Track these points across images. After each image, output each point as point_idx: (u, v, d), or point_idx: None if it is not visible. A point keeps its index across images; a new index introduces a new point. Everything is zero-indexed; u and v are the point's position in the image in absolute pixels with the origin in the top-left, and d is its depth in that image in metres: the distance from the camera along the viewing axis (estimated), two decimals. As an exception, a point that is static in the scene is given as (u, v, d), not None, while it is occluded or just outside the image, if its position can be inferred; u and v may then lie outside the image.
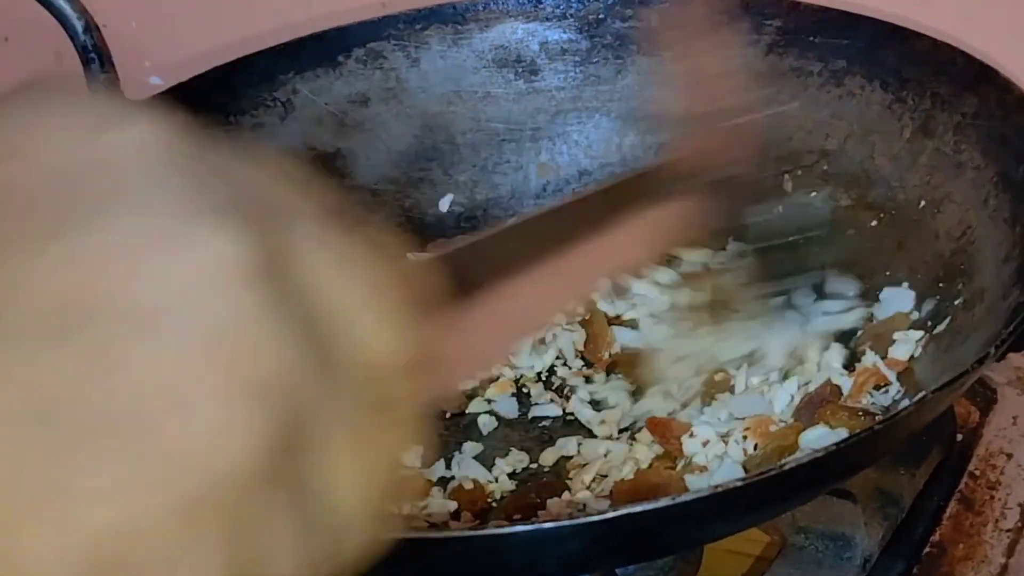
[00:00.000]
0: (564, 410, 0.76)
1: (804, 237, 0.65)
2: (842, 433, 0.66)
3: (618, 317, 0.80)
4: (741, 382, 0.72)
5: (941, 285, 0.72)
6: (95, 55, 0.83)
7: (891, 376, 0.69)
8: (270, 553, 0.27)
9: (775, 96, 0.84)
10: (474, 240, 0.40)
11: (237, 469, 0.26)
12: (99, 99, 0.31)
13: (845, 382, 0.70)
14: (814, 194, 0.62)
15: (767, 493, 0.55)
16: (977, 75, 0.75)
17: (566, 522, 0.52)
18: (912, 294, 0.74)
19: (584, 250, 0.43)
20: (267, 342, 0.27)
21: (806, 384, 0.71)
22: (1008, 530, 0.69)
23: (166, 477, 0.25)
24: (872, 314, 0.75)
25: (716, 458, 0.68)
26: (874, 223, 0.79)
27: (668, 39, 0.59)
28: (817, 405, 0.69)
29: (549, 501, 0.69)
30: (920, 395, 0.59)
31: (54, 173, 0.28)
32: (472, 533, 0.58)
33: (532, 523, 0.53)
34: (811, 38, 0.84)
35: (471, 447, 0.74)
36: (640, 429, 0.72)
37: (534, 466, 0.73)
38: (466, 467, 0.72)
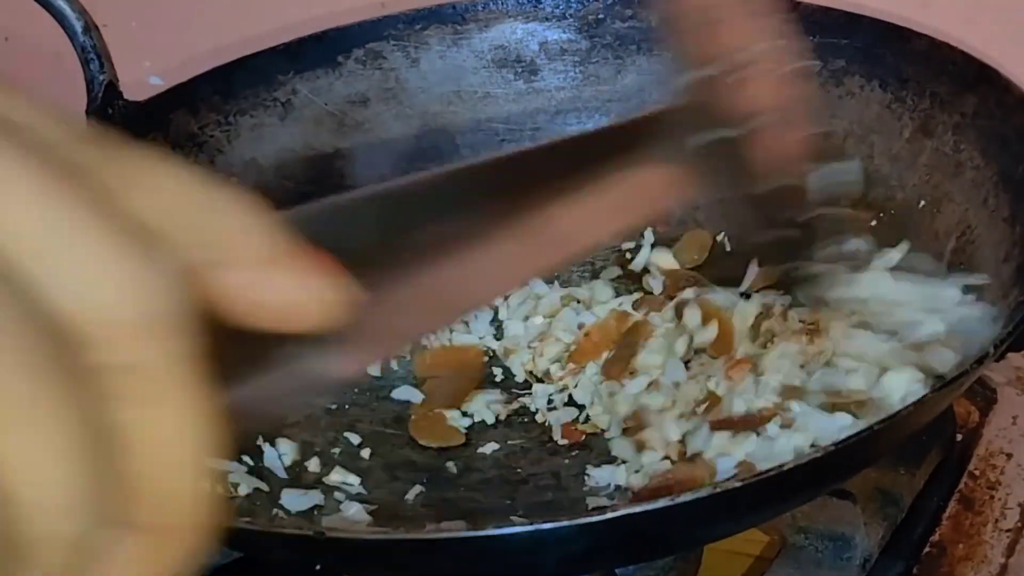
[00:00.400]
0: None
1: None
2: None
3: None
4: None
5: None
6: (95, 55, 0.83)
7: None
8: None
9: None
10: (410, 181, 0.34)
11: None
12: None
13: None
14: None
15: (766, 493, 0.55)
16: (977, 75, 0.75)
17: (566, 522, 0.52)
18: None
19: (552, 212, 0.35)
20: None
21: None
22: (1008, 530, 0.69)
23: None
24: None
25: None
26: (874, 223, 0.79)
27: None
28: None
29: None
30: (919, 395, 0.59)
31: None
32: (472, 533, 0.57)
33: (532, 523, 0.53)
34: (811, 38, 0.83)
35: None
36: None
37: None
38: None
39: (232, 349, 0.25)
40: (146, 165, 0.25)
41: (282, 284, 0.26)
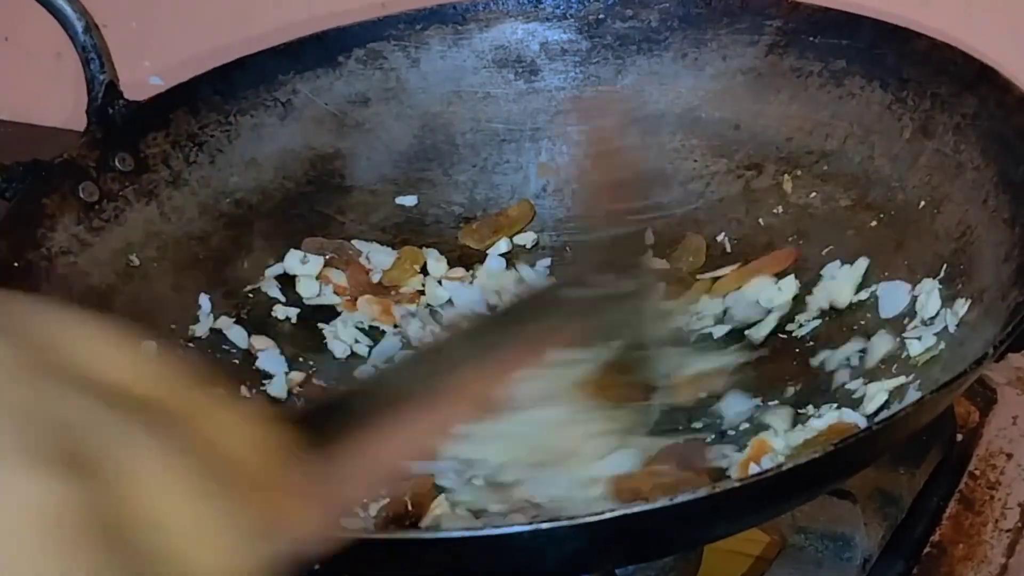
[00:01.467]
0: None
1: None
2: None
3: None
4: None
5: (940, 286, 0.72)
6: (95, 55, 0.83)
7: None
8: None
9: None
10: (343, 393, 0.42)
11: None
12: None
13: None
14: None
15: (766, 494, 0.55)
16: (977, 76, 0.75)
17: (566, 522, 0.52)
18: (909, 287, 0.74)
19: (455, 381, 0.43)
20: None
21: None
22: (1008, 530, 0.69)
23: None
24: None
25: None
26: (874, 223, 0.79)
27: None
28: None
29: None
30: (918, 396, 0.59)
31: None
32: (472, 533, 0.57)
33: (532, 523, 0.53)
34: (811, 38, 0.84)
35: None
36: None
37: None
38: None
39: None
40: (207, 402, 0.32)
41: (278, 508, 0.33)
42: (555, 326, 0.50)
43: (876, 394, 0.69)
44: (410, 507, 0.68)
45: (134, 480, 0.28)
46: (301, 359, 0.81)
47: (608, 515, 0.53)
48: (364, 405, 0.40)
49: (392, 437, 0.39)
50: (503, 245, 0.87)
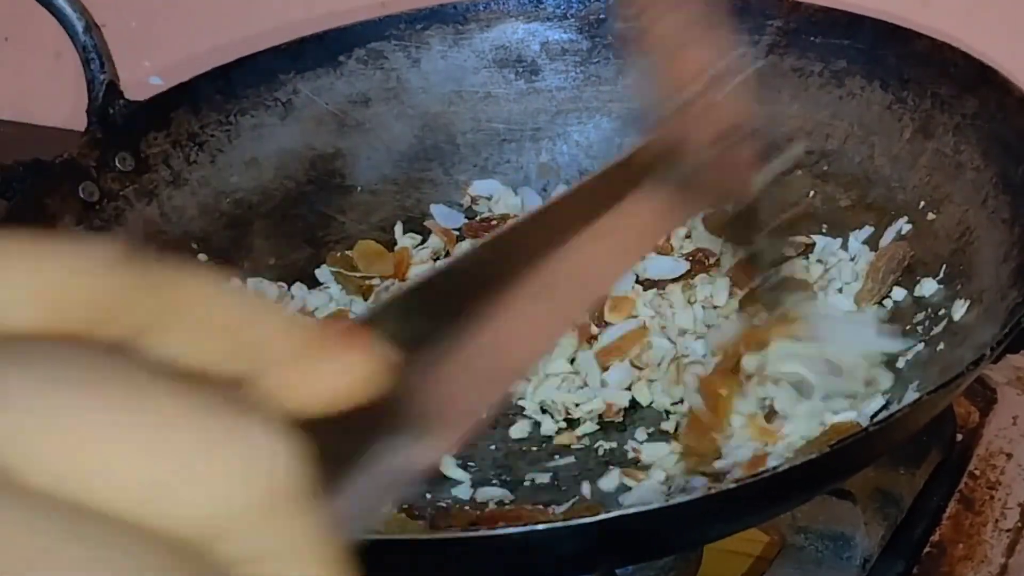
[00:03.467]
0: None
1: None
2: None
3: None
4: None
5: (940, 286, 0.72)
6: (95, 55, 0.83)
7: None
8: None
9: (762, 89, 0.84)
10: (438, 270, 0.33)
11: None
12: None
13: None
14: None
15: (765, 494, 0.55)
16: (977, 76, 0.75)
17: (565, 523, 0.53)
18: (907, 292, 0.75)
19: (571, 259, 0.37)
20: None
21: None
22: (1008, 530, 0.69)
23: None
24: None
25: None
26: (874, 224, 0.79)
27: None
28: None
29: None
30: (916, 396, 0.59)
31: None
32: (472, 534, 0.58)
33: (530, 523, 0.53)
34: (812, 38, 0.84)
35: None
36: None
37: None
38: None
39: (316, 463, 0.24)
40: (184, 288, 0.25)
41: (328, 370, 0.26)
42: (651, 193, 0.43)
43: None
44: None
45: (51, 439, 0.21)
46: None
47: (607, 515, 0.53)
48: (458, 293, 0.33)
49: (505, 330, 0.33)
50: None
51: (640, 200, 0.42)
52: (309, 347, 0.25)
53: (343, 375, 0.25)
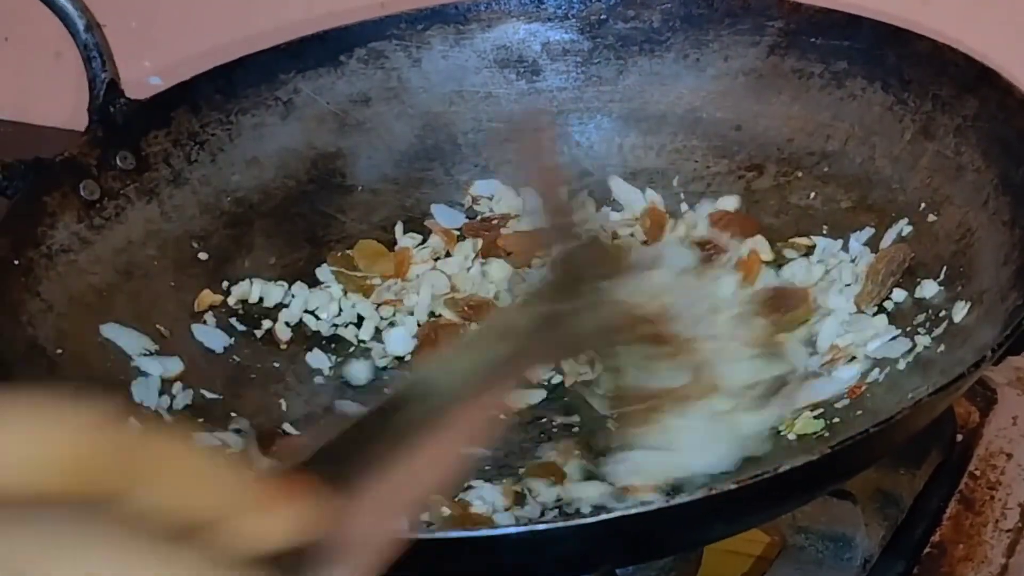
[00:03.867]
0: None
1: None
2: None
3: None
4: None
5: (940, 288, 0.72)
6: (96, 54, 0.83)
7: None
8: None
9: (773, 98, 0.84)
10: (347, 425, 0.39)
11: None
12: None
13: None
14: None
15: (764, 495, 0.55)
16: (978, 77, 0.76)
17: (565, 523, 0.53)
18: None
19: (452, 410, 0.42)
20: None
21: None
22: (1008, 530, 0.69)
23: None
24: None
25: None
26: (874, 225, 0.79)
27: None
28: None
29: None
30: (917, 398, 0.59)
31: None
32: (471, 533, 0.58)
33: (530, 523, 0.53)
34: (812, 39, 0.84)
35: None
36: None
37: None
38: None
39: None
40: (156, 448, 0.31)
41: (274, 520, 0.32)
42: (526, 348, 0.50)
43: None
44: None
45: None
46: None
47: (607, 515, 0.53)
48: (367, 440, 0.39)
49: (405, 469, 0.39)
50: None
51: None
52: (259, 500, 0.31)
53: (285, 522, 0.32)
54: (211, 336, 0.80)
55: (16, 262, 0.74)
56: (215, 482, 0.31)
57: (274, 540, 0.31)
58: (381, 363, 0.80)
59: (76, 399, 0.30)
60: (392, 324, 0.82)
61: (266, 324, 0.82)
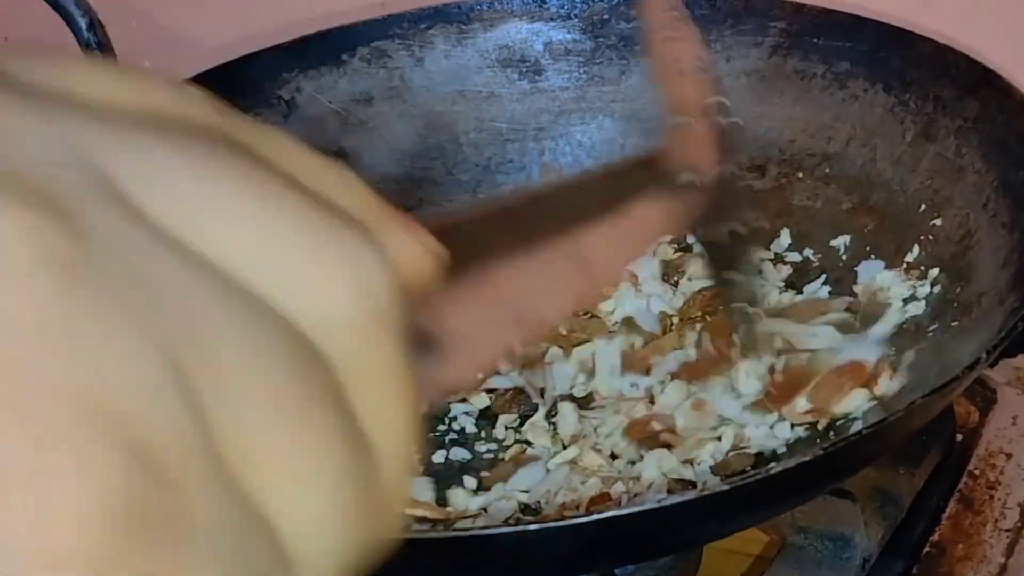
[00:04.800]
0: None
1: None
2: None
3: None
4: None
5: (940, 288, 0.73)
6: (98, 53, 0.83)
7: None
8: None
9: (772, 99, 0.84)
10: (463, 215, 0.35)
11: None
12: None
13: None
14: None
15: (763, 494, 0.56)
16: (979, 79, 0.76)
17: (564, 522, 0.53)
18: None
19: (584, 242, 0.37)
20: (86, 346, 0.19)
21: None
22: (1008, 530, 0.69)
23: None
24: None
25: None
26: (874, 226, 0.79)
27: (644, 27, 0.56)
28: None
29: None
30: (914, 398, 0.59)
31: None
32: (471, 533, 0.58)
33: (528, 523, 0.53)
34: (815, 40, 0.84)
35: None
36: None
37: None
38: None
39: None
40: (268, 133, 0.25)
41: (403, 239, 0.25)
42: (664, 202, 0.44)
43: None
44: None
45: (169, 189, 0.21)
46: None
47: (607, 515, 0.53)
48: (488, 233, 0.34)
49: (523, 286, 0.34)
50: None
51: (645, 202, 0.43)
52: (384, 214, 0.25)
53: (412, 248, 0.25)
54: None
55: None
56: (342, 183, 0.25)
57: (404, 264, 0.25)
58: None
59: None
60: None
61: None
